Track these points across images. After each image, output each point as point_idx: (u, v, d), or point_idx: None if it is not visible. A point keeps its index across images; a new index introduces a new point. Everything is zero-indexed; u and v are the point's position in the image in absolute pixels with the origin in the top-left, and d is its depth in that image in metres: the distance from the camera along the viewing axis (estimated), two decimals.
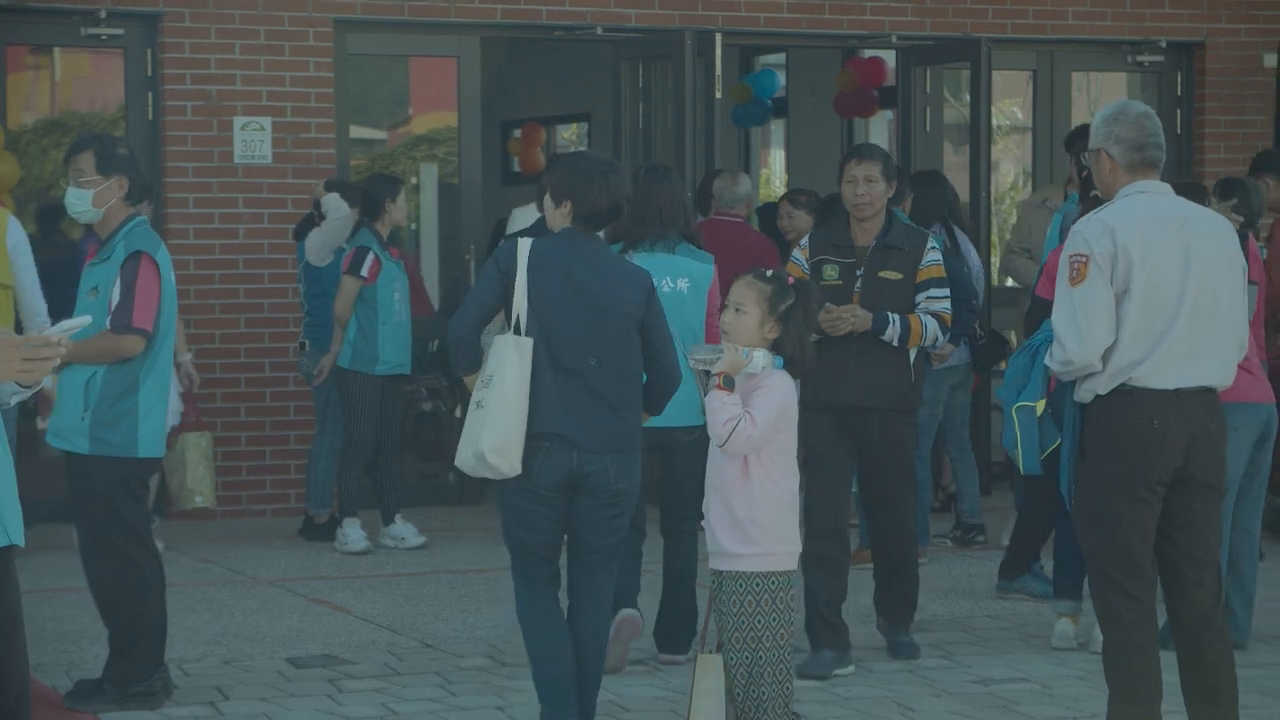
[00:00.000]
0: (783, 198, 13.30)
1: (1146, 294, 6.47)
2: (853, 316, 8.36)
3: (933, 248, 8.57)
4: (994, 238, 14.96)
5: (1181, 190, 7.00)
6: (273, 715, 7.72)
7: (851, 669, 8.34)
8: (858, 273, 8.48)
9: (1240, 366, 6.92)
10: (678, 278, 8.67)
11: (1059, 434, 6.78)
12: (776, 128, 19.16)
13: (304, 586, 10.38)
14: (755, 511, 6.44)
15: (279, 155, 12.73)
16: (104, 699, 7.77)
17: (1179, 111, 15.14)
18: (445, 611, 9.72)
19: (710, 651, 6.56)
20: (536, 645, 6.99)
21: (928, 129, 15.02)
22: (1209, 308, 6.55)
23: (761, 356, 6.43)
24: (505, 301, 6.89)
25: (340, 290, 11.43)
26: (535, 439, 6.81)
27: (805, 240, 8.74)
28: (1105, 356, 6.49)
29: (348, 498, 11.54)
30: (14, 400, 5.03)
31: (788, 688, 6.46)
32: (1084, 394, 6.56)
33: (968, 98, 14.50)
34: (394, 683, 8.25)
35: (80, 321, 4.84)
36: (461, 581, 10.54)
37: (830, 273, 8.48)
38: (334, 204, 11.55)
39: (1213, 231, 6.66)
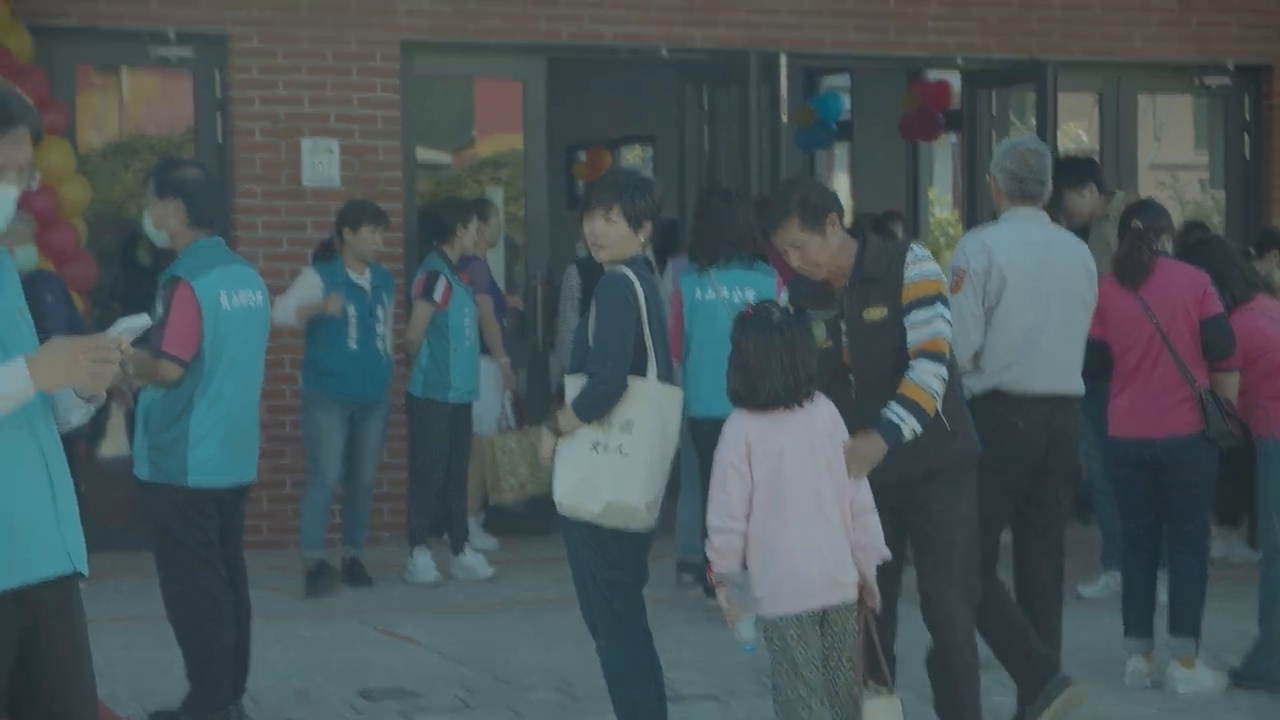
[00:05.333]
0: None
1: (1015, 307, 7.49)
2: (857, 455, 6.48)
3: (917, 259, 6.79)
4: None
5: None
6: None
7: None
8: (841, 326, 6.81)
9: None
10: (745, 288, 10.00)
11: None
12: (841, 151, 19.13)
13: (374, 618, 10.39)
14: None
15: (347, 179, 12.73)
16: None
17: (1246, 135, 15.08)
18: (516, 644, 9.71)
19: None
20: (641, 686, 6.98)
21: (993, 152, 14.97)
22: (1068, 323, 7.61)
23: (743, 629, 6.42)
24: (638, 343, 6.86)
25: (413, 315, 11.39)
26: None
27: (784, 294, 7.09)
28: (978, 361, 7.51)
29: (417, 527, 11.48)
30: (77, 419, 4.99)
31: None
32: (965, 394, 7.28)
33: (1034, 121, 14.45)
34: (465, 716, 8.25)
35: (139, 322, 4.78)
36: (532, 612, 10.54)
37: (817, 333, 6.65)
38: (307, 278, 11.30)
39: (1074, 256, 7.76)
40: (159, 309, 7.67)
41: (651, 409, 6.84)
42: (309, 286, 11.07)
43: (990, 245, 7.58)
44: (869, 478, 6.55)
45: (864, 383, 6.78)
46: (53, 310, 10.40)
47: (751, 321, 6.46)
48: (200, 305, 7.67)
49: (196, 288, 7.68)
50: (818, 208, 6.74)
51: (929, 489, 6.91)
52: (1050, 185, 7.86)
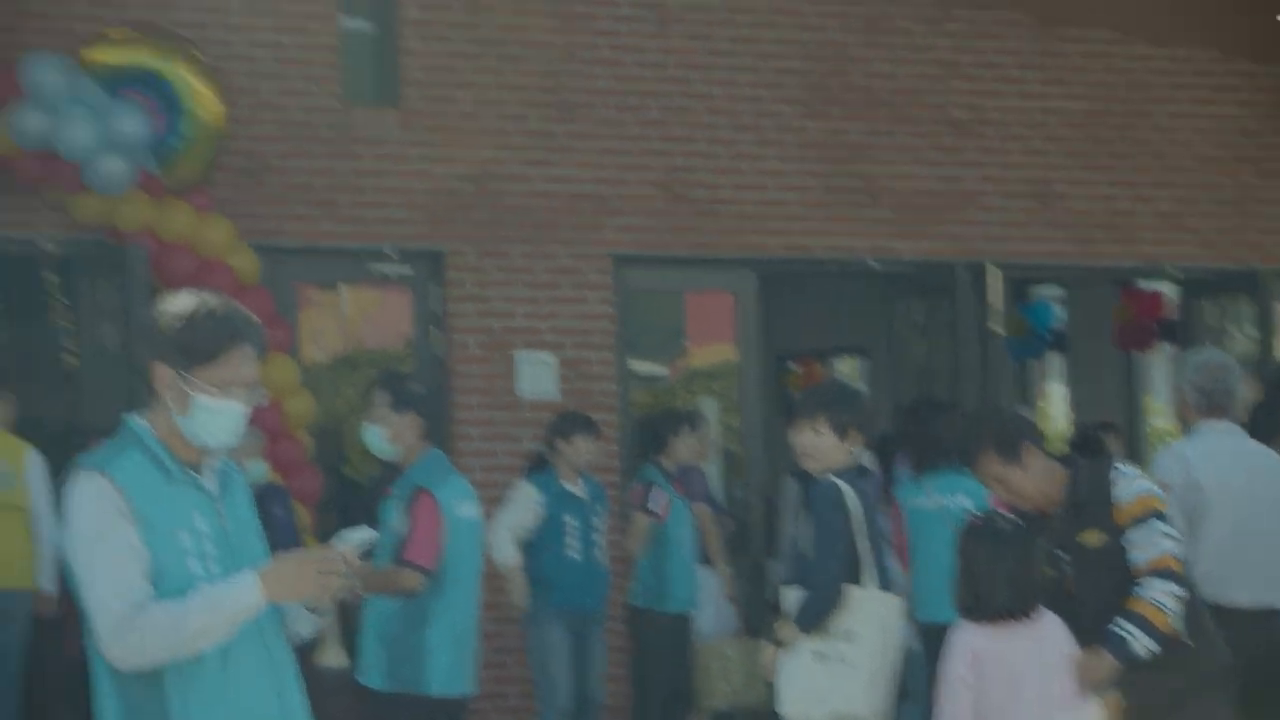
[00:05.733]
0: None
1: (1217, 520, 7.50)
2: (1084, 670, 6.34)
3: (1125, 477, 6.54)
4: None
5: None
6: None
7: None
8: (1060, 554, 6.52)
9: None
10: (958, 493, 9.87)
11: None
12: (1054, 360, 18.97)
13: None
14: None
15: (563, 390, 12.81)
16: None
17: None
18: None
19: None
20: None
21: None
22: (1272, 535, 7.60)
23: None
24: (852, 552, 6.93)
25: (632, 527, 11.41)
26: None
27: None
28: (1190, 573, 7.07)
29: None
30: (306, 632, 5.08)
31: None
32: None
33: (1252, 330, 14.29)
34: None
35: (367, 536, 4.90)
36: None
37: None
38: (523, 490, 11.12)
39: (1271, 467, 7.78)
40: (400, 520, 7.79)
41: (872, 618, 6.85)
42: (527, 501, 11.01)
43: (1189, 458, 7.63)
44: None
45: (1091, 610, 6.46)
46: (281, 523, 10.58)
47: (980, 531, 6.42)
48: (443, 515, 7.79)
49: (439, 498, 7.81)
50: (1011, 439, 6.51)
51: (1176, 716, 6.59)
52: (1240, 397, 7.87)
